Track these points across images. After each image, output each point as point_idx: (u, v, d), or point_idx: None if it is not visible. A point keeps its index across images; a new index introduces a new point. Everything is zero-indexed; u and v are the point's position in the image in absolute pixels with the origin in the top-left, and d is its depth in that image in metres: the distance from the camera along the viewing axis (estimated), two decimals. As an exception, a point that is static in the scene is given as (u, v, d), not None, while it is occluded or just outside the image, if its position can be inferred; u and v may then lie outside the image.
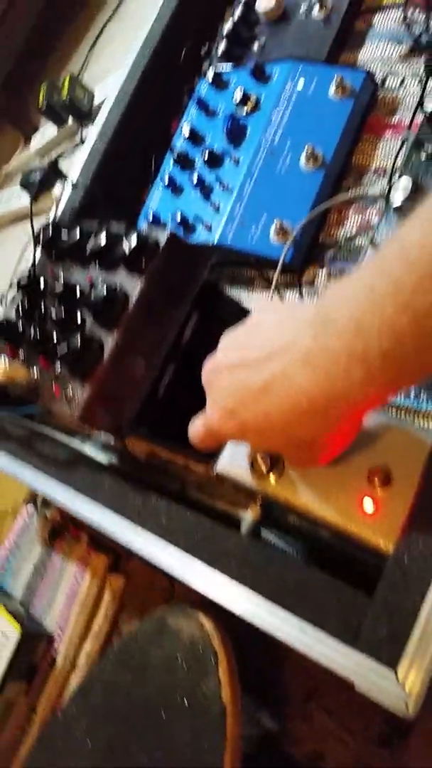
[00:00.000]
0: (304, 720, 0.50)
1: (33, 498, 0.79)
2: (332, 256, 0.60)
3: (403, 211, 0.50)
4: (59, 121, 1.15)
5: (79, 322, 0.54)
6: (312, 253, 0.60)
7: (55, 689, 0.65)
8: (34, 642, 0.66)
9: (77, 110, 1.11)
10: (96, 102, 1.13)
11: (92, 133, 0.79)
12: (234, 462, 0.48)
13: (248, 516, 0.50)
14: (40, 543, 0.74)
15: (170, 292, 0.52)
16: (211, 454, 0.58)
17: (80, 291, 0.55)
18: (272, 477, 0.47)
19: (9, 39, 1.36)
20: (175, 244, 0.51)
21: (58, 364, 0.55)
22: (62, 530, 0.73)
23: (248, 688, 0.48)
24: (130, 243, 0.50)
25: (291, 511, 0.47)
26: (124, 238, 0.51)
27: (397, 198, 0.49)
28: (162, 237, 0.50)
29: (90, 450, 0.68)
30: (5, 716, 0.65)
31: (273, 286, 0.56)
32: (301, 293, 0.60)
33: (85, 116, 1.13)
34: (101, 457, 0.67)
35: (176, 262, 0.51)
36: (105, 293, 0.50)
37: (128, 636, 0.51)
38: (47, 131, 1.21)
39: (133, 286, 0.51)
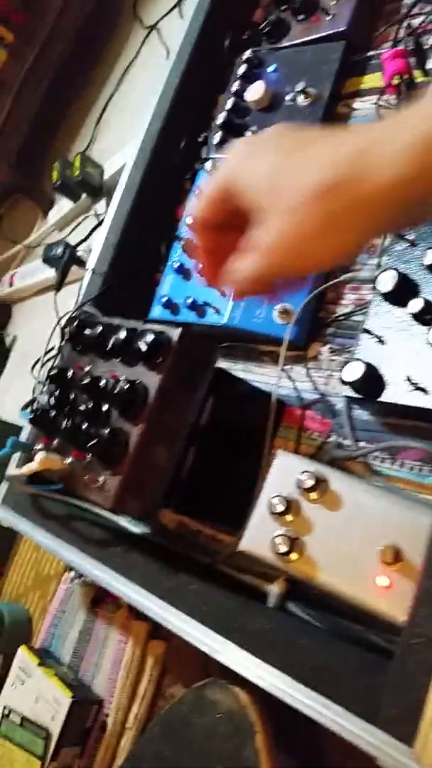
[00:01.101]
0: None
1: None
2: (333, 332, 0.64)
3: (390, 297, 0.54)
4: (73, 197, 1.23)
5: (105, 413, 0.60)
6: (314, 330, 0.65)
7: (108, 753, 0.69)
8: (85, 707, 0.70)
9: (89, 186, 1.19)
10: (106, 176, 1.20)
11: (103, 227, 0.84)
12: (257, 540, 0.53)
13: (274, 589, 0.54)
14: (84, 609, 0.79)
15: (186, 381, 0.57)
16: (236, 527, 0.63)
17: (104, 384, 0.61)
18: (293, 555, 0.51)
19: (20, 119, 1.45)
20: (187, 337, 0.56)
21: (89, 454, 0.60)
22: (104, 596, 0.78)
23: (292, 751, 0.52)
24: (146, 339, 0.55)
25: (312, 586, 0.51)
26: (141, 333, 0.57)
27: (384, 287, 0.54)
28: (174, 334, 0.56)
29: (124, 521, 0.73)
30: (63, 781, 0.69)
31: (280, 365, 0.61)
32: (307, 368, 0.64)
33: (98, 191, 1.21)
34: (134, 528, 0.72)
35: (190, 354, 0.57)
36: (127, 389, 0.55)
37: (171, 707, 0.55)
38: (63, 205, 1.29)
39: (152, 380, 0.56)
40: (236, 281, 0.39)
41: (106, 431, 0.57)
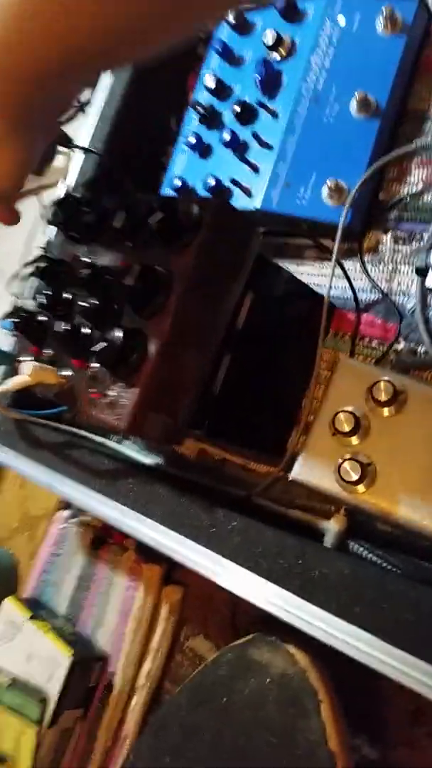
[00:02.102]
0: (410, 747, 0.44)
1: (69, 502, 0.73)
2: (397, 217, 0.52)
3: None
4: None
5: (114, 312, 0.47)
6: (373, 215, 0.53)
7: (115, 714, 0.60)
8: (87, 665, 0.61)
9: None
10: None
11: (98, 97, 0.70)
12: (316, 466, 0.42)
13: (333, 526, 0.44)
14: (83, 552, 0.68)
15: (221, 270, 0.45)
16: (275, 455, 0.52)
17: (113, 275, 0.48)
18: (362, 486, 0.40)
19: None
20: (225, 211, 0.43)
21: (94, 364, 0.47)
22: (106, 537, 0.67)
23: (343, 710, 0.43)
24: (166, 215, 0.42)
25: (386, 520, 0.40)
26: (156, 209, 0.43)
27: None
28: (207, 206, 0.43)
29: (129, 450, 0.62)
30: (62, 746, 0.60)
31: (334, 257, 0.49)
32: (363, 263, 0.52)
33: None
34: (145, 458, 0.61)
35: (226, 234, 0.44)
36: (144, 278, 0.42)
37: (204, 670, 0.45)
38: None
39: (178, 264, 0.43)
40: None
41: (118, 333, 0.44)
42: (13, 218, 0.46)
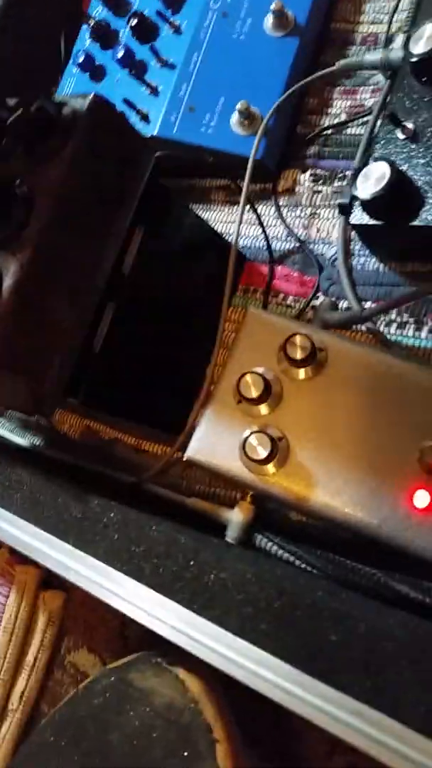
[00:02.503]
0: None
1: None
2: (316, 152, 0.44)
3: (423, 68, 0.35)
4: None
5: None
6: (289, 151, 0.45)
7: (-20, 745, 0.50)
8: None
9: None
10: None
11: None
12: (214, 445, 0.33)
13: (236, 516, 0.36)
14: None
15: (101, 189, 0.35)
16: (171, 431, 0.43)
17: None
18: (271, 466, 0.32)
19: None
20: (105, 112, 0.33)
21: None
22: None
23: (253, 741, 0.35)
24: (28, 114, 0.33)
25: (299, 508, 0.32)
26: (20, 110, 0.34)
27: (417, 48, 0.34)
28: (82, 102, 0.33)
29: (2, 429, 0.52)
30: None
31: (243, 196, 0.40)
32: (277, 206, 0.44)
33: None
34: (17, 437, 0.51)
35: (108, 142, 0.34)
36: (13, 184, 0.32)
37: (76, 697, 0.36)
38: None
39: (45, 177, 0.34)
40: None
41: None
42: None
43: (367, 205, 0.35)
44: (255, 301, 0.44)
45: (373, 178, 0.34)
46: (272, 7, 0.43)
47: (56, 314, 0.34)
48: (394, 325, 0.37)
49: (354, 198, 0.36)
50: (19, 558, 0.52)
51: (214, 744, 0.29)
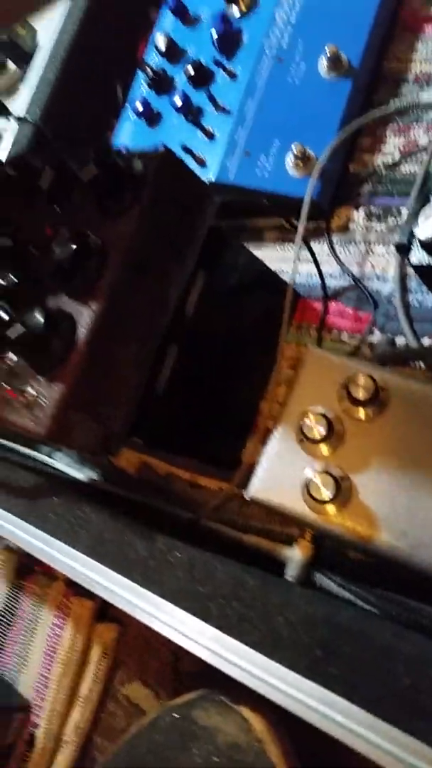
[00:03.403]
0: None
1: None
2: (370, 190, 0.45)
3: None
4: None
5: (37, 290, 0.39)
6: (343, 189, 0.46)
7: (36, 777, 0.50)
8: (5, 717, 0.51)
9: (18, 51, 0.93)
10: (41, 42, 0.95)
11: (39, 58, 0.62)
12: (276, 484, 0.34)
13: (296, 555, 0.36)
14: (6, 581, 0.59)
15: (167, 240, 0.37)
16: (224, 466, 0.44)
17: (37, 246, 0.39)
18: (334, 506, 0.32)
19: None
20: (172, 167, 0.35)
21: (9, 353, 0.39)
22: (32, 565, 0.58)
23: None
24: (102, 172, 0.34)
25: (361, 548, 0.32)
26: (90, 165, 0.35)
27: None
28: (152, 159, 0.35)
29: (60, 463, 0.53)
30: None
31: (299, 237, 0.41)
32: (331, 243, 0.45)
33: (29, 59, 0.95)
34: (77, 472, 0.52)
35: (174, 195, 0.36)
36: (73, 245, 0.34)
37: (138, 734, 0.36)
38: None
39: (115, 232, 0.35)
40: None
41: (39, 316, 0.36)
42: None
43: (428, 245, 0.35)
44: (309, 338, 0.44)
45: (432, 220, 0.34)
46: (327, 51, 0.45)
47: (124, 359, 0.36)
48: (454, 363, 0.37)
49: (412, 237, 0.36)
50: (74, 590, 0.53)
51: (282, 787, 0.29)
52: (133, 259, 0.35)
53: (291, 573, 0.36)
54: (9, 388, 0.38)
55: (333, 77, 0.45)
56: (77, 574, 0.35)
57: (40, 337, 0.36)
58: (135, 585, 0.32)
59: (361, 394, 0.33)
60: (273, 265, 0.48)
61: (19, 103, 0.60)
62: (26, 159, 0.40)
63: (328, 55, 0.45)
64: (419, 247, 0.36)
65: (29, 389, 0.37)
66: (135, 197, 0.34)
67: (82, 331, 0.35)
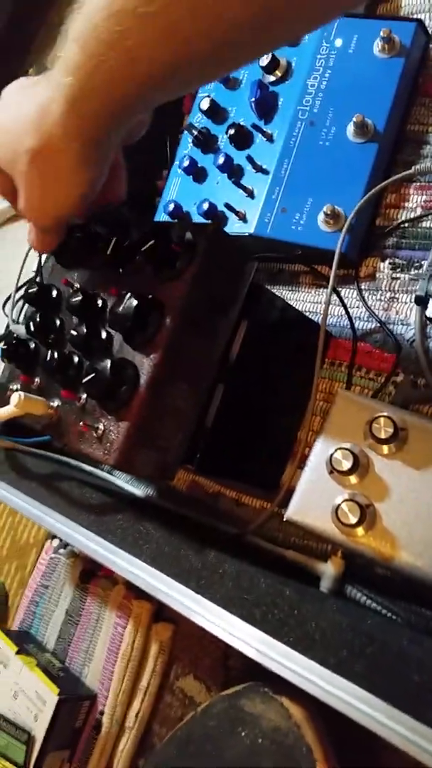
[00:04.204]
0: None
1: (58, 533, 0.70)
2: (395, 243, 0.50)
3: None
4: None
5: (105, 341, 0.45)
6: (370, 242, 0.51)
7: (102, 756, 0.57)
8: (74, 704, 0.58)
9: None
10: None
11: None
12: (310, 509, 0.40)
13: (329, 570, 0.42)
14: (72, 584, 0.66)
15: (214, 298, 0.43)
16: (267, 487, 0.50)
17: (103, 303, 0.46)
18: (361, 529, 0.38)
19: None
20: (219, 238, 0.41)
21: (83, 395, 0.46)
22: (96, 570, 0.65)
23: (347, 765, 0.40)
24: (158, 242, 0.41)
25: (386, 566, 0.38)
26: (148, 236, 0.42)
27: None
28: (202, 232, 0.41)
29: (120, 481, 0.60)
30: (48, 791, 0.57)
31: (330, 284, 0.47)
32: (360, 290, 0.51)
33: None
34: (134, 489, 0.59)
35: (220, 261, 0.42)
36: (135, 306, 0.41)
37: (193, 719, 0.43)
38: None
39: (171, 293, 0.42)
40: (32, 241, 0.45)
41: (107, 363, 0.43)
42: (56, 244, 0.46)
43: (441, 303, 0.40)
44: (341, 374, 0.50)
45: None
46: (354, 118, 0.50)
47: (179, 400, 0.42)
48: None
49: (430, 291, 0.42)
50: (134, 592, 0.59)
51: (315, 764, 0.35)
52: (185, 317, 0.41)
53: (325, 585, 0.42)
54: (83, 423, 0.45)
55: (360, 141, 0.51)
56: (142, 581, 0.41)
57: (108, 382, 0.43)
58: (191, 591, 0.38)
59: (382, 434, 0.38)
60: (307, 307, 0.54)
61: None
62: (94, 227, 0.47)
63: (355, 122, 0.50)
64: (435, 301, 0.41)
65: (100, 425, 0.44)
66: (188, 264, 0.41)
67: (144, 377, 0.42)
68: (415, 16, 0.54)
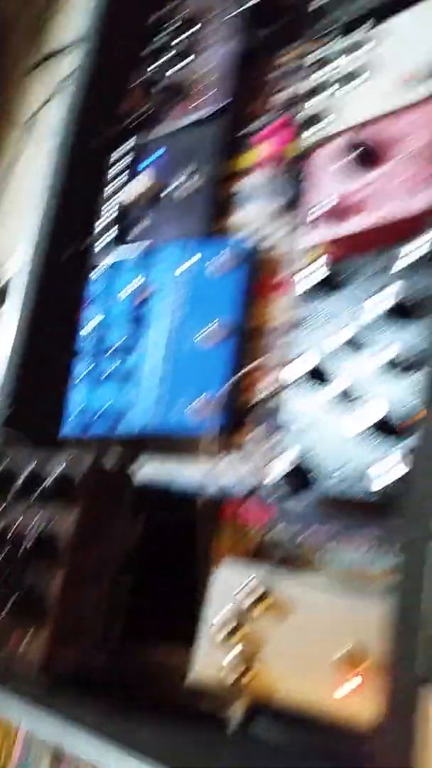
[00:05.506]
0: None
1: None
2: (259, 414, 0.62)
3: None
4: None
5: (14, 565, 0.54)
6: (239, 415, 0.63)
7: None
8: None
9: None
10: (3, 280, 1.16)
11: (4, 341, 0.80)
12: (208, 667, 0.48)
13: (235, 714, 0.50)
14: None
15: (105, 512, 0.54)
16: (188, 644, 0.58)
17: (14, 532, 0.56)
18: (248, 676, 0.47)
19: None
20: (95, 473, 0.53)
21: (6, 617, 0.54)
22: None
23: None
24: (52, 476, 0.52)
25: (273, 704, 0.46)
26: (45, 468, 0.53)
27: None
28: (78, 472, 0.52)
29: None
30: None
31: (208, 459, 0.58)
32: (238, 456, 0.61)
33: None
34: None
35: (103, 485, 0.53)
36: (39, 534, 0.51)
37: None
38: None
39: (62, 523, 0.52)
40: None
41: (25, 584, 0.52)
42: None
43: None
44: (235, 534, 0.60)
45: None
46: (210, 324, 0.63)
47: (88, 600, 0.51)
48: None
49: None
50: None
51: None
52: (81, 541, 0.51)
53: (231, 728, 0.49)
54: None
55: (217, 342, 0.63)
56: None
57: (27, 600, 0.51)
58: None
59: (252, 597, 0.48)
60: (195, 474, 0.64)
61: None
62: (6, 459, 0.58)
63: (212, 328, 0.63)
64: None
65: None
66: (77, 496, 0.52)
67: (54, 590, 0.51)
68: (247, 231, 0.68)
